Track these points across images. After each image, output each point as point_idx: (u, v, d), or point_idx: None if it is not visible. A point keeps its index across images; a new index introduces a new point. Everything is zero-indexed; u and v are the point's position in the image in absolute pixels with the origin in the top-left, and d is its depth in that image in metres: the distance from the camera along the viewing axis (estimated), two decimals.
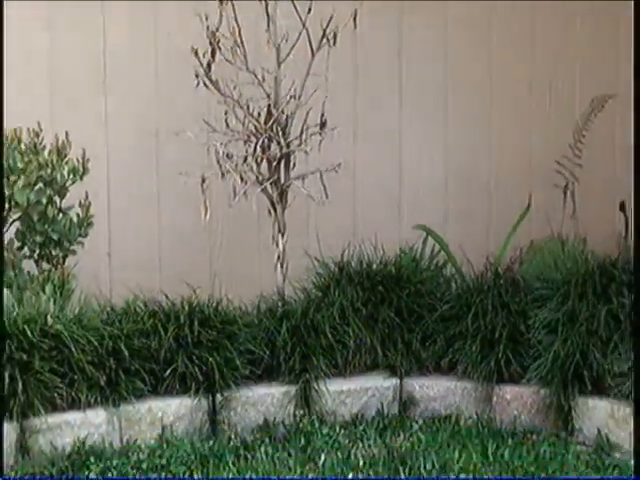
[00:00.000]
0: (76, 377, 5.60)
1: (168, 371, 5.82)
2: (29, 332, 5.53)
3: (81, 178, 6.06)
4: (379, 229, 6.67)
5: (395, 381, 6.16)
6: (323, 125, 6.40)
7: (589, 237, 6.78)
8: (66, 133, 6.06)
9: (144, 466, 5.47)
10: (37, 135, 6.02)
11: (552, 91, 7.29)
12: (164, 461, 5.47)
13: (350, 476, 5.42)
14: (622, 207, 7.33)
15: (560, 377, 5.87)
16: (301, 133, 6.37)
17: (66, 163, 6.07)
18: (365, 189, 7.02)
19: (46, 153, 6.05)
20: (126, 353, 5.74)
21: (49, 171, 6.03)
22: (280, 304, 6.23)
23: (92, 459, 5.41)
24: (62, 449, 5.47)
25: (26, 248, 5.99)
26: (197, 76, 6.25)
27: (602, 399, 5.80)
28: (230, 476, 5.41)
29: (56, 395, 5.55)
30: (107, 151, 6.40)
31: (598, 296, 5.99)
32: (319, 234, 6.56)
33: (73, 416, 5.56)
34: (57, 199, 6.06)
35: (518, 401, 6.01)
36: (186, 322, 5.88)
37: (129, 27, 6.54)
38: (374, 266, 6.40)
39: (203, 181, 6.25)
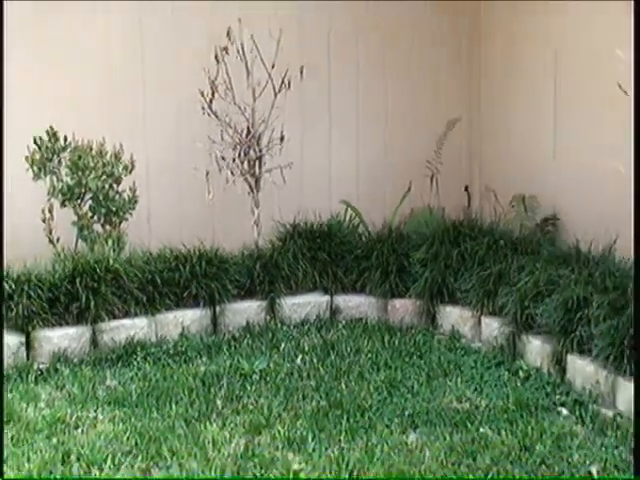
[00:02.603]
0: (127, 297, 5.57)
1: (186, 293, 5.76)
2: (97, 269, 5.50)
3: (130, 172, 5.98)
4: (317, 203, 6.58)
5: (327, 297, 6.10)
6: (282, 139, 6.33)
7: (446, 208, 6.71)
8: (120, 144, 5.95)
9: (171, 352, 5.45)
10: (102, 145, 5.91)
11: (423, 115, 7.06)
12: (183, 349, 5.46)
13: (300, 357, 5.38)
14: (466, 189, 7.17)
15: (429, 293, 5.84)
16: (268, 143, 6.32)
17: (121, 162, 5.96)
18: (309, 178, 6.82)
19: (108, 156, 5.95)
20: (159, 282, 5.71)
21: (110, 168, 5.93)
22: (256, 251, 6.14)
23: (138, 348, 5.41)
24: (119, 342, 5.44)
25: (95, 217, 5.88)
26: (203, 108, 6.19)
27: (454, 307, 5.77)
28: (225, 358, 5.39)
29: (115, 309, 5.51)
30: (147, 157, 6.34)
31: (452, 243, 5.94)
32: (280, 207, 6.38)
33: (126, 322, 5.51)
34: (115, 185, 5.94)
35: (403, 308, 5.97)
36: (197, 262, 5.82)
37: (161, 80, 6.34)
38: (314, 226, 6.30)
39: (207, 174, 6.18)
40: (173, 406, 4.57)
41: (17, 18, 5.93)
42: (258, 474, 3.94)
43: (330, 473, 3.91)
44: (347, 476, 3.94)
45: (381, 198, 7.16)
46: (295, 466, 3.98)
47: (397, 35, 7.20)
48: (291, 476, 3.88)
